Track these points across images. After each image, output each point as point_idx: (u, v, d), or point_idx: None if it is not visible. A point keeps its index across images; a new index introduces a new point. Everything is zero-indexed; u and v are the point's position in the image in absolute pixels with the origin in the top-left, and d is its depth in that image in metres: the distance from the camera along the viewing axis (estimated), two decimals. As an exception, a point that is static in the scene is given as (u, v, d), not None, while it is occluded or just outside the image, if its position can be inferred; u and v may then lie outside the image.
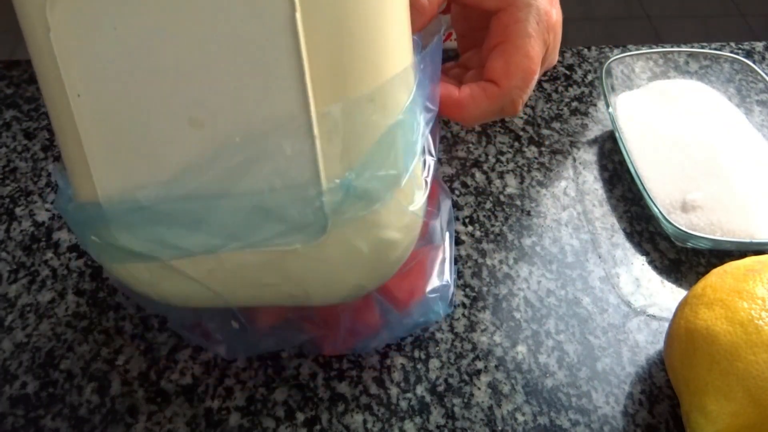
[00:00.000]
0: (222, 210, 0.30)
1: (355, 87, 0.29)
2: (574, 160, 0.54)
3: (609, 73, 0.55)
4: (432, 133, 0.35)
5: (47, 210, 0.49)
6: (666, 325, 0.44)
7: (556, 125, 0.56)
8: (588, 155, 0.54)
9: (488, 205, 0.51)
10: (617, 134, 0.52)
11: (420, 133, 0.33)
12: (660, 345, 0.44)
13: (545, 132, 0.56)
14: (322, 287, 0.34)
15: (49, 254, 0.47)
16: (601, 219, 0.51)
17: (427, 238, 0.38)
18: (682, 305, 0.40)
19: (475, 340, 0.44)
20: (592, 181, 0.53)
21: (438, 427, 0.40)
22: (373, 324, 0.40)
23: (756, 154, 0.52)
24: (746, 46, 0.64)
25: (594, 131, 0.56)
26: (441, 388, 0.42)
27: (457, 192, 0.51)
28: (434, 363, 0.43)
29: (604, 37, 1.90)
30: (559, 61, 0.61)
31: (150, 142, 0.30)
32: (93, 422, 0.40)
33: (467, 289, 0.46)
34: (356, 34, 0.29)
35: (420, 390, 0.42)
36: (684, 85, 0.56)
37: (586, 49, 0.62)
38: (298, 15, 0.27)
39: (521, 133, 0.55)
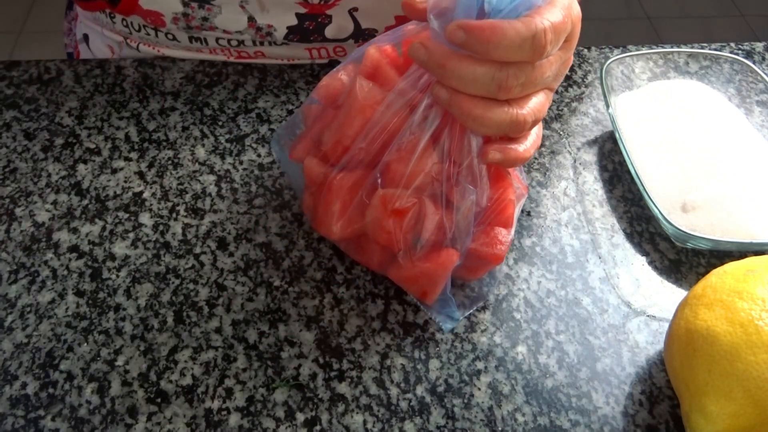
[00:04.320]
0: None
1: None
2: (574, 160, 0.54)
3: (609, 73, 0.55)
4: None
5: (47, 210, 0.49)
6: (666, 325, 0.44)
7: (556, 125, 0.56)
8: (588, 155, 0.54)
9: (488, 206, 0.51)
10: (617, 134, 0.52)
11: None
12: (660, 345, 0.44)
13: (545, 132, 0.56)
14: None
15: (49, 254, 0.47)
16: (601, 219, 0.50)
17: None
18: (682, 306, 0.40)
19: (475, 341, 0.44)
20: (592, 181, 0.53)
21: (438, 427, 0.40)
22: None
23: (756, 155, 0.52)
24: (746, 46, 0.63)
25: (594, 131, 0.56)
26: (441, 389, 0.42)
27: (457, 192, 0.51)
28: (434, 363, 0.43)
29: (604, 37, 1.90)
30: (559, 62, 0.61)
31: None
32: (93, 423, 0.40)
33: (467, 290, 0.46)
34: None
35: (420, 390, 0.42)
36: (684, 86, 0.56)
37: (586, 49, 0.62)
38: None
39: (521, 133, 0.55)
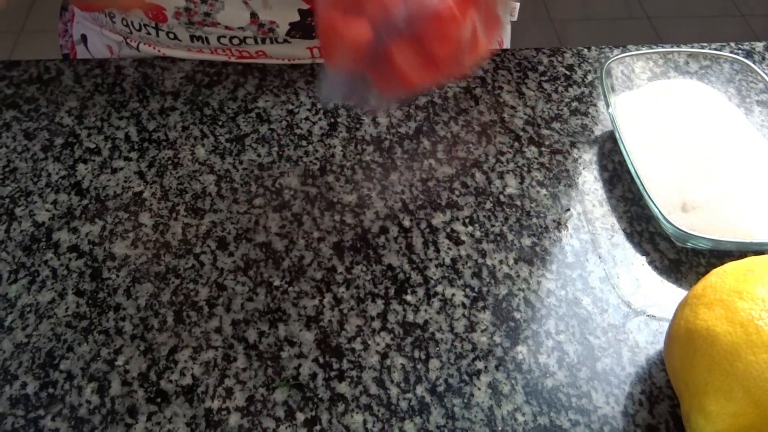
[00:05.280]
0: None
1: None
2: (574, 160, 0.54)
3: (609, 73, 0.55)
4: None
5: (47, 210, 0.49)
6: (666, 325, 0.44)
7: (556, 125, 0.56)
8: (588, 155, 0.54)
9: (488, 206, 0.51)
10: (617, 134, 0.51)
11: None
12: (660, 345, 0.44)
13: (545, 132, 0.56)
14: None
15: (49, 254, 0.47)
16: (601, 219, 0.50)
17: None
18: (682, 305, 0.40)
19: (475, 340, 0.44)
20: (592, 181, 0.53)
21: (438, 427, 0.40)
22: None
23: (756, 154, 0.52)
24: (746, 46, 0.63)
25: (594, 131, 0.56)
26: (441, 389, 0.42)
27: (457, 192, 0.51)
28: (434, 363, 0.43)
29: (604, 37, 1.91)
30: (559, 61, 0.61)
31: None
32: (93, 423, 0.40)
33: (467, 289, 0.46)
34: None
35: (420, 390, 0.42)
36: (684, 85, 0.56)
37: (586, 49, 0.62)
38: None
39: (521, 133, 0.55)
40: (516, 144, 0.55)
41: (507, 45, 0.75)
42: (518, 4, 0.75)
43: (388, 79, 0.38)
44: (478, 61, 0.38)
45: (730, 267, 0.41)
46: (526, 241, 0.49)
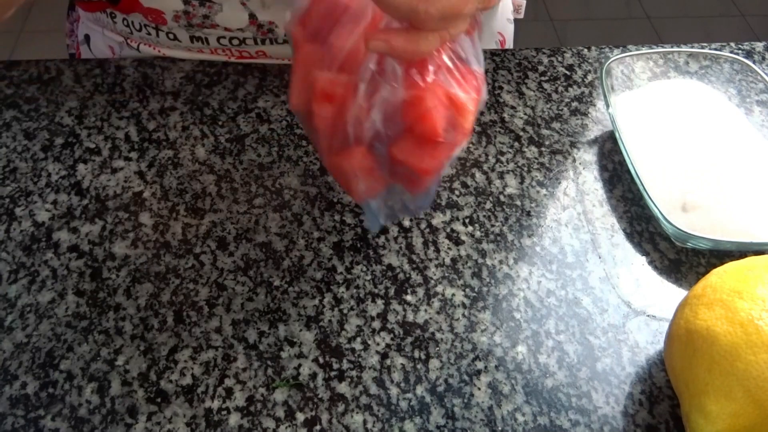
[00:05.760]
0: None
1: None
2: (574, 160, 0.54)
3: (609, 73, 0.55)
4: None
5: (47, 210, 0.49)
6: (666, 325, 0.44)
7: (556, 125, 0.56)
8: (588, 155, 0.54)
9: (488, 206, 0.51)
10: (617, 134, 0.52)
11: None
12: (660, 345, 0.44)
13: (545, 132, 0.56)
14: None
15: (49, 254, 0.47)
16: (601, 219, 0.50)
17: None
18: (682, 305, 0.40)
19: (475, 340, 0.44)
20: (592, 181, 0.53)
21: (438, 427, 0.40)
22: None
23: (756, 155, 0.52)
24: (746, 46, 0.63)
25: (594, 131, 0.56)
26: (441, 389, 0.42)
27: (457, 192, 0.51)
28: (434, 363, 0.43)
29: (604, 37, 1.91)
30: (559, 61, 0.61)
31: None
32: (93, 423, 0.40)
33: (467, 289, 0.46)
34: None
35: (420, 390, 0.42)
36: (684, 85, 0.56)
37: (586, 49, 0.62)
38: None
39: (521, 133, 0.55)
40: (516, 144, 0.55)
41: (510, 43, 0.75)
42: (524, 2, 0.75)
43: (408, 177, 0.40)
44: (474, 113, 0.38)
45: (730, 267, 0.41)
46: (526, 241, 0.49)
